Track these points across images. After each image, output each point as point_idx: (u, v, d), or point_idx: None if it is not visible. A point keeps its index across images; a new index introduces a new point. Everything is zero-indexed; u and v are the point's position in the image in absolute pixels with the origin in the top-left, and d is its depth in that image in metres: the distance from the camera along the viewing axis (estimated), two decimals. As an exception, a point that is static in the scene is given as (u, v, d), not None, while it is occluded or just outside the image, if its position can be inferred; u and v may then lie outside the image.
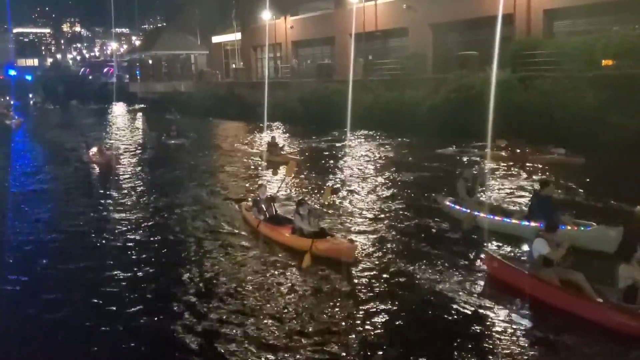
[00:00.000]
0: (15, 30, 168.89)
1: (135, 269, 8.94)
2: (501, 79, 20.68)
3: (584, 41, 21.73)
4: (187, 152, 22.41)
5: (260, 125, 30.90)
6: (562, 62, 21.54)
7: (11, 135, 30.85)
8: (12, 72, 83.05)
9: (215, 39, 59.68)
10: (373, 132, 25.54)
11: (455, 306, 7.29)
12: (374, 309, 7.32)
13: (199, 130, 29.97)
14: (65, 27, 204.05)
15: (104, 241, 10.59)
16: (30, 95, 70.21)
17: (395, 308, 7.33)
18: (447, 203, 11.53)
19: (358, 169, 17.66)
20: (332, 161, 19.17)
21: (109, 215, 12.53)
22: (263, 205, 10.85)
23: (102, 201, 13.90)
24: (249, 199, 12.20)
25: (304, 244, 9.33)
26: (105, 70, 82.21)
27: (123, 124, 39.73)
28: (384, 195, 13.61)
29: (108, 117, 45.74)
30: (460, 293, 7.67)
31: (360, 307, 7.38)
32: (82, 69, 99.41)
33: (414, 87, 26.12)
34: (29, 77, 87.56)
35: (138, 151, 23.37)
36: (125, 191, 15.06)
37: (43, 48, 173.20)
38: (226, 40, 57.58)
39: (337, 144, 23.16)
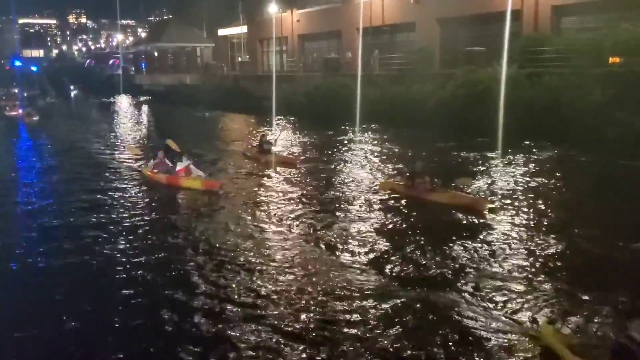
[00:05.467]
0: (20, 21, 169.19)
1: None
2: (508, 75, 20.69)
3: (592, 38, 21.72)
4: (304, 172, 16.19)
5: (267, 118, 31.01)
6: (570, 59, 21.54)
7: (25, 134, 28.13)
8: (18, 63, 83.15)
9: (221, 32, 59.72)
10: (379, 127, 25.56)
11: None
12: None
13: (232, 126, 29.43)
14: (71, 18, 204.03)
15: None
16: (72, 87, 69.22)
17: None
18: None
19: (368, 162, 17.67)
20: (341, 155, 19.18)
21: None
22: None
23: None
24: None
25: None
26: (111, 62, 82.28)
27: (182, 124, 33.04)
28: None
29: (135, 111, 43.84)
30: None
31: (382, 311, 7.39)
32: (87, 61, 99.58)
33: (421, 82, 26.14)
34: (34, 68, 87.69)
35: (232, 169, 17.05)
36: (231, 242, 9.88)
37: (48, 39, 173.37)
38: (232, 33, 57.61)
39: (344, 138, 23.18)
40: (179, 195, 13.53)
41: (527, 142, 19.28)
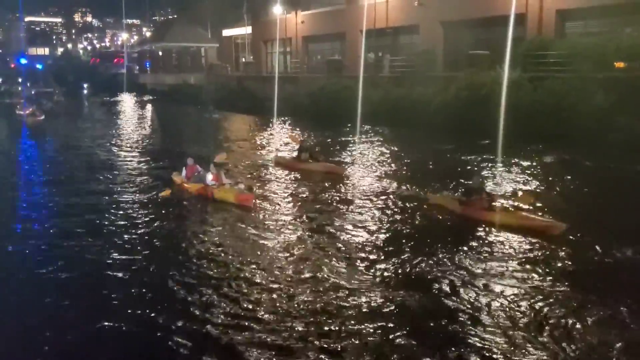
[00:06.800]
0: (26, 19, 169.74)
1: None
2: (511, 78, 20.71)
3: (595, 42, 21.74)
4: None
5: (270, 119, 31.04)
6: (573, 63, 21.55)
7: (29, 136, 26.03)
8: (23, 61, 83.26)
9: (226, 32, 59.84)
10: (383, 128, 25.56)
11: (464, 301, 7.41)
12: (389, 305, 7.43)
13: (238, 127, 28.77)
14: (77, 17, 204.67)
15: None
16: (84, 86, 68.88)
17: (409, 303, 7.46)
18: None
19: (368, 163, 17.72)
20: (342, 156, 19.21)
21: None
22: None
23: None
24: None
25: None
26: (115, 60, 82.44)
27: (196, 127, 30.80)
28: (391, 190, 13.75)
29: (141, 111, 42.65)
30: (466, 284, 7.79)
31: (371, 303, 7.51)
32: (91, 59, 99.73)
33: (424, 84, 26.17)
34: (39, 66, 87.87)
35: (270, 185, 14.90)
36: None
37: (54, 37, 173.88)
38: (237, 34, 57.69)
39: (346, 139, 23.21)
40: (209, 206, 12.63)
41: (529, 146, 19.25)
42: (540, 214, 11.18)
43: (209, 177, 13.27)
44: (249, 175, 16.22)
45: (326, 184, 14.63)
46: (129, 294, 7.95)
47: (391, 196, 13.23)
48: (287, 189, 14.38)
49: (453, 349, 6.30)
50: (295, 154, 17.56)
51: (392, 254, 9.30)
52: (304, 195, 13.58)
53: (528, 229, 10.18)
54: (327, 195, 13.45)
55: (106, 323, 7.08)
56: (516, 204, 11.67)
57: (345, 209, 12.16)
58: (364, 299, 7.56)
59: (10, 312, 7.56)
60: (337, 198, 13.19)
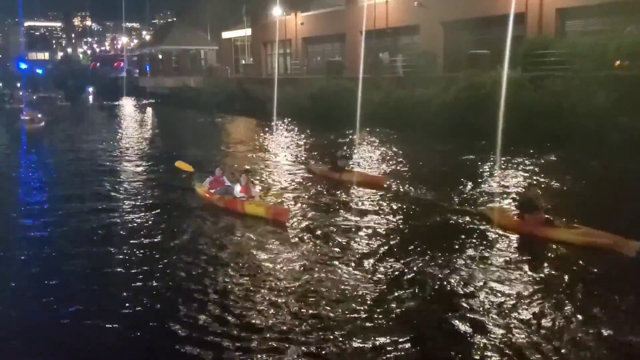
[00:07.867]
0: (26, 24, 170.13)
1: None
2: (512, 78, 20.65)
3: (596, 41, 21.68)
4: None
5: (271, 121, 31.00)
6: (574, 62, 21.49)
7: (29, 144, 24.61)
8: (23, 66, 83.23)
9: (225, 35, 59.95)
10: (383, 130, 25.51)
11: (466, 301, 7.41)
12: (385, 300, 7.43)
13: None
14: (76, 21, 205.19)
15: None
16: (91, 90, 68.80)
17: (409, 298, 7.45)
18: None
19: (368, 166, 17.67)
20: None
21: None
22: None
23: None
24: None
25: None
26: (115, 64, 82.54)
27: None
28: (393, 192, 13.71)
29: (144, 116, 41.55)
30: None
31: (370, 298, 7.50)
32: (91, 63, 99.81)
33: (425, 85, 26.11)
34: (39, 71, 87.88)
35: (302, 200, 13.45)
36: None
37: (54, 42, 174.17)
38: (236, 36, 57.78)
39: (347, 141, 23.20)
40: (235, 219, 11.69)
41: (530, 146, 19.16)
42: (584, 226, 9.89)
43: (237, 188, 12.13)
44: (279, 186, 14.95)
45: (363, 195, 13.63)
46: (135, 298, 7.93)
47: (434, 209, 12.03)
48: (320, 201, 13.21)
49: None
50: (321, 162, 16.35)
51: (437, 273, 8.53)
52: (338, 207, 12.51)
53: (594, 246, 9.17)
54: (363, 207, 12.49)
55: (107, 326, 7.08)
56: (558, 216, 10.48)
57: (386, 224, 11.20)
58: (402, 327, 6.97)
59: (10, 313, 7.57)
60: (376, 210, 12.17)
